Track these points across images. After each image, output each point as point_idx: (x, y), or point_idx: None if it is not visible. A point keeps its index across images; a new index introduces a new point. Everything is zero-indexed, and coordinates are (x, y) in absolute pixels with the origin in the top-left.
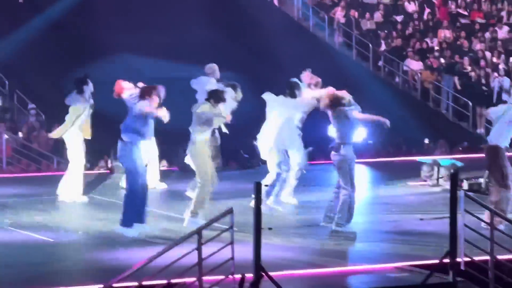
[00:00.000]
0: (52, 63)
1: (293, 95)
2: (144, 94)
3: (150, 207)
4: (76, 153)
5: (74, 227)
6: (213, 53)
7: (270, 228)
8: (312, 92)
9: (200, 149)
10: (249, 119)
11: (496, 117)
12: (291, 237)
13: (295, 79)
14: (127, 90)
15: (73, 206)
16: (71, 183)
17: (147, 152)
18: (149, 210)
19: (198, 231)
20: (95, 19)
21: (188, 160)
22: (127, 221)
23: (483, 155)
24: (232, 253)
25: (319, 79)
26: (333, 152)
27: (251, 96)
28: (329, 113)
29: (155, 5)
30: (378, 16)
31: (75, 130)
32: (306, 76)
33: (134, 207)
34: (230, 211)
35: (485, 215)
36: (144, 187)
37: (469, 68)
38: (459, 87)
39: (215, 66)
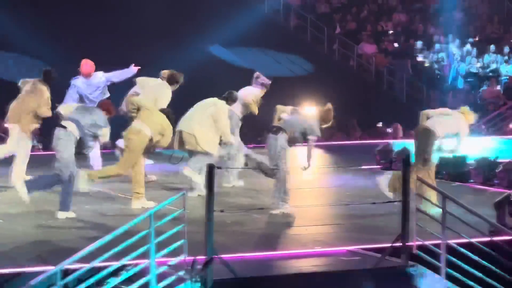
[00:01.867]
0: None
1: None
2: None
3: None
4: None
5: (25, 208)
6: None
7: (221, 210)
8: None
9: None
10: None
11: None
12: (242, 220)
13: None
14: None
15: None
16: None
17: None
18: (103, 191)
19: (151, 213)
20: None
21: None
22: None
23: None
24: (185, 235)
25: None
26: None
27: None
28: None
29: None
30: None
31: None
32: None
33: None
34: (182, 194)
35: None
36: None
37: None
38: (410, 71)
39: None
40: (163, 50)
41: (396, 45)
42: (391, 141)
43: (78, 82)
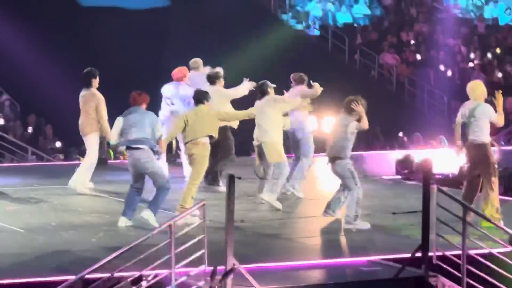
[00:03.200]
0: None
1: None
2: None
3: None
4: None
5: (47, 219)
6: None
7: (242, 221)
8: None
9: None
10: None
11: (467, 115)
12: (263, 230)
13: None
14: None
15: (46, 197)
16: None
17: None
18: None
19: (171, 223)
20: None
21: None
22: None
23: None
24: (204, 245)
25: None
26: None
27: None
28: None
29: None
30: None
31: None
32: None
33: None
34: (202, 204)
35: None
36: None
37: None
38: (432, 82)
39: (199, 61)
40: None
41: (418, 56)
42: (412, 151)
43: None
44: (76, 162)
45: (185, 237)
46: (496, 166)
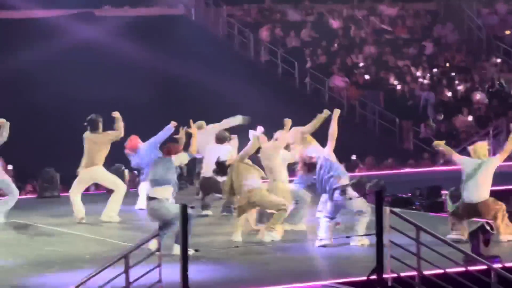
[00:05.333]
0: None
1: None
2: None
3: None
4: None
5: (1, 253)
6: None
7: (196, 250)
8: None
9: None
10: None
11: (470, 170)
12: (218, 258)
13: None
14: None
15: None
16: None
17: None
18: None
19: (125, 255)
20: None
21: None
22: None
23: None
24: (160, 276)
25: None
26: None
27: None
28: None
29: None
30: (304, 33)
31: None
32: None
33: None
34: (156, 234)
35: None
36: None
37: (395, 83)
38: (382, 104)
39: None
40: None
41: (367, 77)
42: (364, 173)
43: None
44: None
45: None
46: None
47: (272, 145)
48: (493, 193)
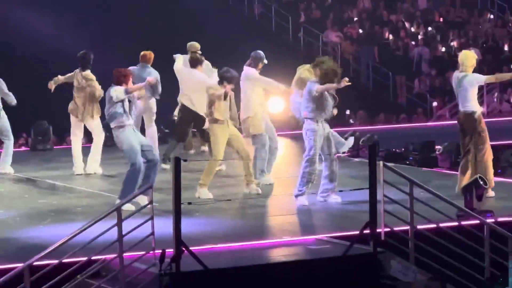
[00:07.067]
0: None
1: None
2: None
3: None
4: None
5: None
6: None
7: (189, 203)
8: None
9: None
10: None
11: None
12: (211, 212)
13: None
14: None
15: None
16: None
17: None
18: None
19: (118, 208)
20: None
21: None
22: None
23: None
24: (152, 229)
25: None
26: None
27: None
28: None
29: None
30: None
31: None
32: None
33: (135, 183)
34: (150, 187)
35: None
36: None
37: (389, 38)
38: (377, 59)
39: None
40: None
41: (361, 31)
42: (357, 128)
43: None
44: None
45: (133, 221)
46: (483, 134)
47: None
48: None
